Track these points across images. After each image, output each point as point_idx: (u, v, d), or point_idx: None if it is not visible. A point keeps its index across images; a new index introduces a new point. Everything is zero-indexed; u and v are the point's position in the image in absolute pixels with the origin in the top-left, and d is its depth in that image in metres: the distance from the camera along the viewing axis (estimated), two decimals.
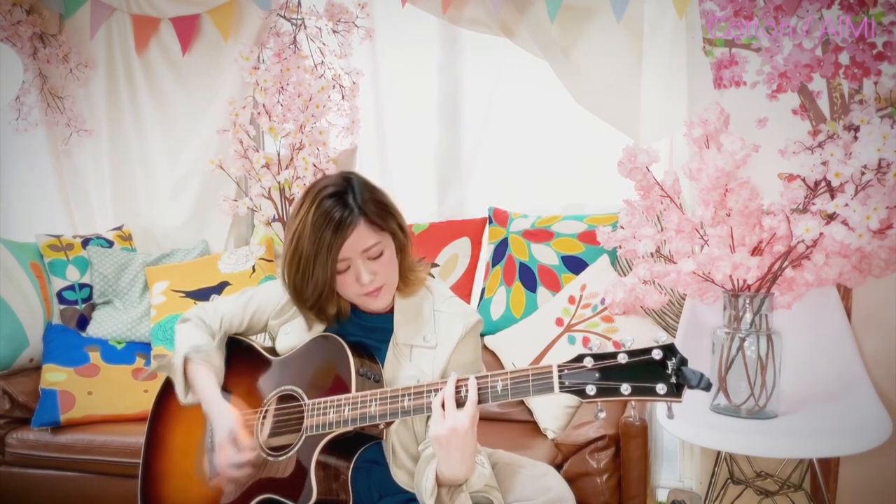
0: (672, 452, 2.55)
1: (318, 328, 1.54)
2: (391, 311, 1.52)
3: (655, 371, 1.15)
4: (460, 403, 1.28)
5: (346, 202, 1.39)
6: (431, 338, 1.47)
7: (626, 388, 1.16)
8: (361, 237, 1.39)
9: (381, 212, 1.42)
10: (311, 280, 1.40)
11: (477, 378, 1.29)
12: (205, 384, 1.52)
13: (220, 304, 1.66)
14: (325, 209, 1.37)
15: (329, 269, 1.38)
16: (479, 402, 1.28)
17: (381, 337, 1.52)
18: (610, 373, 1.18)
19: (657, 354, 1.15)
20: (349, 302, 1.51)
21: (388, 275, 1.45)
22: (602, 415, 1.20)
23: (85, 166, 3.12)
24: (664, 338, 1.17)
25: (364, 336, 1.53)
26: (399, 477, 1.47)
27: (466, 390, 1.29)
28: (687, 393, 1.15)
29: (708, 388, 1.14)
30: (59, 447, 2.34)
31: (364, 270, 1.40)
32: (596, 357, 1.19)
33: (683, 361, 1.14)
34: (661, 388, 1.14)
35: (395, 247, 1.46)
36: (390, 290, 1.47)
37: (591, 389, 1.18)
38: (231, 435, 1.43)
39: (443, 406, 1.29)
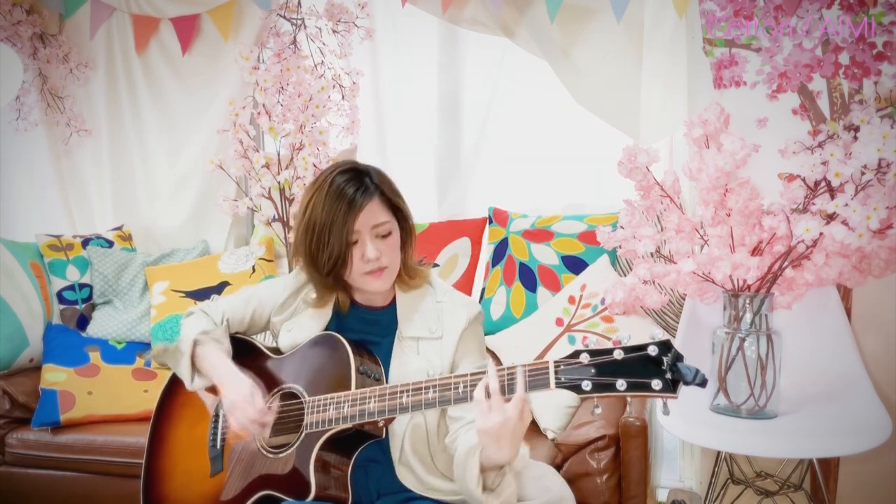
0: (672, 452, 2.55)
1: (321, 322, 1.54)
2: (390, 305, 1.54)
3: (651, 367, 1.16)
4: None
5: (362, 179, 1.45)
6: (437, 329, 1.49)
7: (621, 383, 1.17)
8: (374, 212, 1.44)
9: (393, 194, 1.48)
10: (326, 247, 1.42)
11: (475, 374, 1.30)
12: (218, 359, 1.53)
13: (221, 302, 1.68)
14: (342, 182, 1.43)
15: (344, 237, 1.41)
16: (473, 398, 1.27)
17: (382, 331, 1.53)
18: (606, 369, 1.19)
19: (653, 350, 1.16)
20: (347, 294, 1.53)
21: (392, 258, 1.48)
22: (598, 410, 1.21)
23: (85, 166, 3.11)
24: (660, 334, 1.18)
25: (365, 330, 1.54)
26: (405, 477, 1.47)
27: (508, 380, 1.26)
28: (683, 389, 1.15)
29: (703, 384, 1.15)
30: (59, 447, 2.34)
31: (371, 246, 1.43)
32: (592, 353, 1.20)
33: (679, 357, 1.15)
34: (656, 383, 1.15)
35: (400, 236, 1.49)
36: (391, 275, 1.49)
37: (586, 385, 1.19)
38: (252, 392, 1.45)
39: (487, 394, 1.25)
